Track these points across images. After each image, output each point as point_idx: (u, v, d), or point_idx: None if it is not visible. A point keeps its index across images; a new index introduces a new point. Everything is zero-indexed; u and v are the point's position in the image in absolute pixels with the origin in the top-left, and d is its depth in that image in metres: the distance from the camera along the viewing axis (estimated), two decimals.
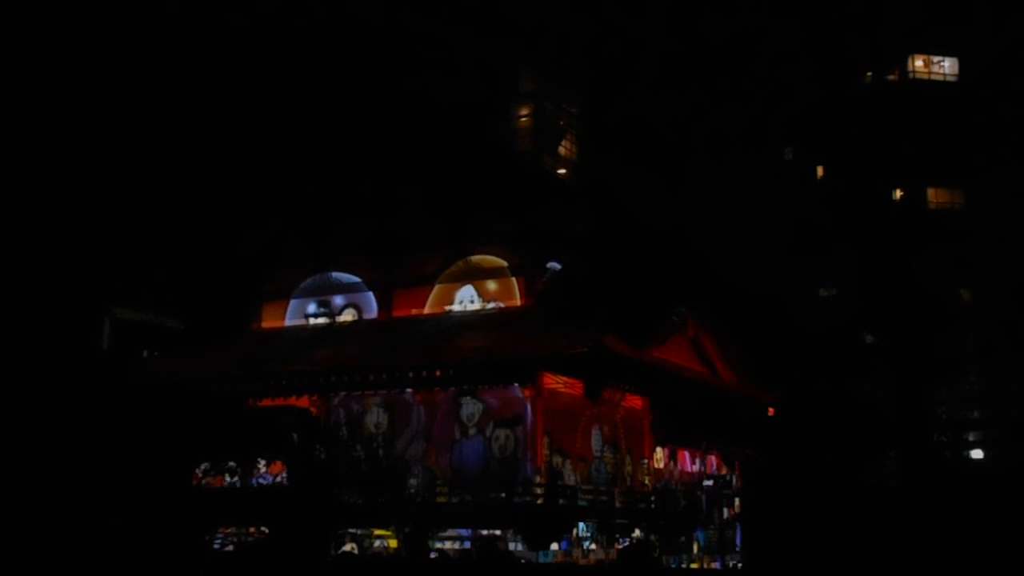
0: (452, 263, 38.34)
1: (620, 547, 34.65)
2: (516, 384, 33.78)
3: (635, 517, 36.30)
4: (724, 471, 41.63)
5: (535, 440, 33.72)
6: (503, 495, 32.70)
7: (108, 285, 45.32)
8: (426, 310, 38.52)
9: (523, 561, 30.87)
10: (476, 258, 37.95)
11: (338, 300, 40.29)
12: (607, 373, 33.71)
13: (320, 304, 40.55)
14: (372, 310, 39.65)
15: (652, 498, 37.55)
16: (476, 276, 37.99)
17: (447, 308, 37.99)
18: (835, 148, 72.86)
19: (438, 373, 34.25)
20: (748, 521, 39.90)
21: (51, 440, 28.76)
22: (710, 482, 40.62)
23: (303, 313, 40.80)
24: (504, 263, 37.75)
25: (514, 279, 37.33)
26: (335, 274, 40.38)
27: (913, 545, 31.59)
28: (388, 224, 39.68)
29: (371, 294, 39.65)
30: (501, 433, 34.68)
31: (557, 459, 35.02)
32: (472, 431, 35.21)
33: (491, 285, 37.59)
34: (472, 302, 37.84)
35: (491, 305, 37.60)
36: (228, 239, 42.40)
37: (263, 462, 34.24)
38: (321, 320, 40.27)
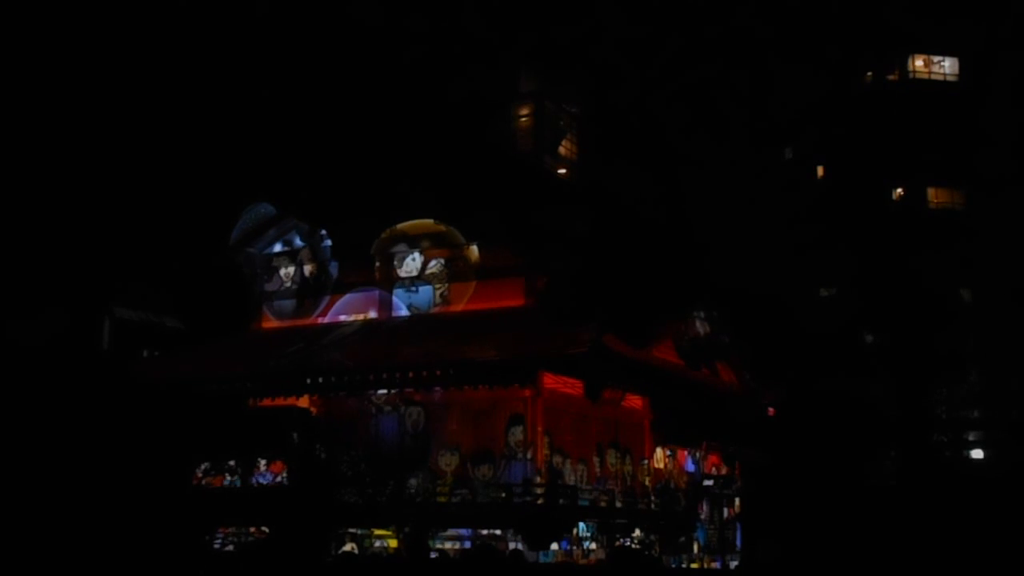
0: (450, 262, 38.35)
1: (613, 548, 34.64)
2: (516, 384, 33.76)
3: (635, 517, 36.29)
4: (724, 471, 41.64)
5: (535, 440, 33.71)
6: (503, 495, 32.73)
7: (108, 285, 45.32)
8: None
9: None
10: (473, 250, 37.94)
11: (298, 241, 40.92)
12: (607, 373, 33.69)
13: (284, 244, 41.09)
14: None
15: (652, 498, 37.55)
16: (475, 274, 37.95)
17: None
18: (835, 148, 72.89)
19: (438, 373, 34.23)
20: (748, 521, 40.00)
21: (51, 440, 28.77)
22: (710, 482, 40.67)
23: (269, 250, 41.37)
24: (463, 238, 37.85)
25: (476, 281, 37.48)
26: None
27: (913, 545, 31.62)
28: (387, 224, 39.63)
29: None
30: (413, 410, 35.34)
31: (557, 459, 35.00)
32: (387, 408, 35.90)
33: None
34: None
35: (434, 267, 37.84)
36: (228, 238, 42.35)
37: (263, 462, 34.25)
38: (285, 256, 40.67)
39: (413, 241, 38.39)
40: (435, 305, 37.79)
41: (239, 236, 41.18)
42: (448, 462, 34.57)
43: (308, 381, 35.96)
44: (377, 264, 38.90)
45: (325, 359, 35.84)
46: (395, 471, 33.12)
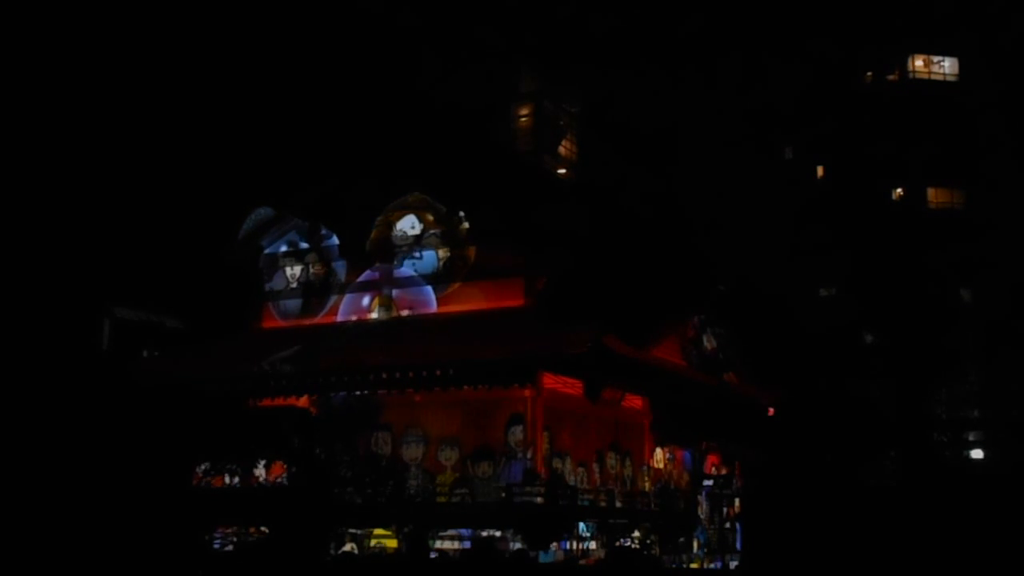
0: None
1: (613, 548, 34.64)
2: (516, 384, 33.75)
3: (635, 517, 36.29)
4: (724, 471, 41.64)
5: (535, 439, 33.72)
6: (503, 495, 32.73)
7: (108, 285, 45.30)
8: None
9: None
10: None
11: (301, 240, 41.18)
12: (607, 373, 33.68)
13: (288, 244, 41.22)
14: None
15: (652, 498, 37.55)
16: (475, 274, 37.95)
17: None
18: (835, 148, 72.95)
19: (438, 373, 34.20)
20: (748, 521, 39.98)
21: (51, 441, 28.76)
22: (710, 482, 40.67)
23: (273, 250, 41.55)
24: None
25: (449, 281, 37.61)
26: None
27: (913, 545, 31.60)
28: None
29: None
30: None
31: (557, 460, 34.99)
32: None
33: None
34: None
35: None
36: (229, 239, 42.37)
37: (263, 462, 34.23)
38: (291, 256, 40.86)
39: (406, 219, 38.61)
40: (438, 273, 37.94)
41: (242, 235, 41.19)
42: (449, 456, 34.68)
43: (308, 381, 35.94)
44: (375, 261, 38.90)
45: (323, 360, 35.83)
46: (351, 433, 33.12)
